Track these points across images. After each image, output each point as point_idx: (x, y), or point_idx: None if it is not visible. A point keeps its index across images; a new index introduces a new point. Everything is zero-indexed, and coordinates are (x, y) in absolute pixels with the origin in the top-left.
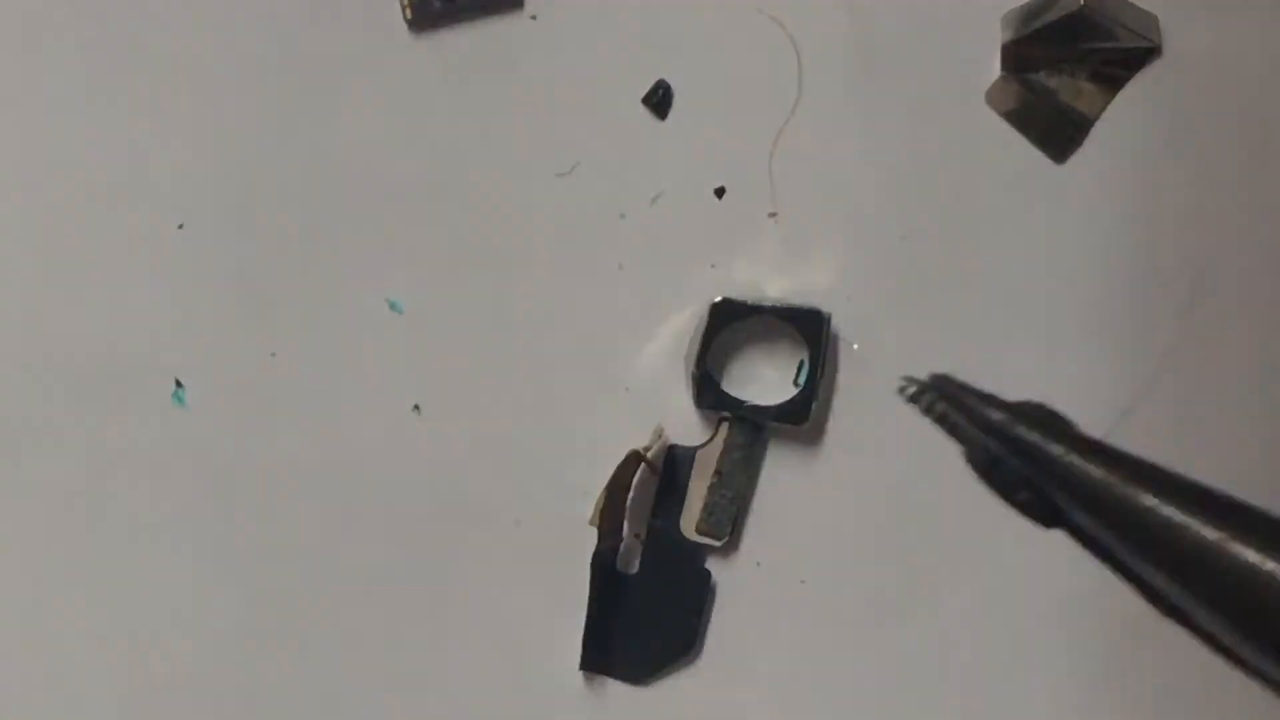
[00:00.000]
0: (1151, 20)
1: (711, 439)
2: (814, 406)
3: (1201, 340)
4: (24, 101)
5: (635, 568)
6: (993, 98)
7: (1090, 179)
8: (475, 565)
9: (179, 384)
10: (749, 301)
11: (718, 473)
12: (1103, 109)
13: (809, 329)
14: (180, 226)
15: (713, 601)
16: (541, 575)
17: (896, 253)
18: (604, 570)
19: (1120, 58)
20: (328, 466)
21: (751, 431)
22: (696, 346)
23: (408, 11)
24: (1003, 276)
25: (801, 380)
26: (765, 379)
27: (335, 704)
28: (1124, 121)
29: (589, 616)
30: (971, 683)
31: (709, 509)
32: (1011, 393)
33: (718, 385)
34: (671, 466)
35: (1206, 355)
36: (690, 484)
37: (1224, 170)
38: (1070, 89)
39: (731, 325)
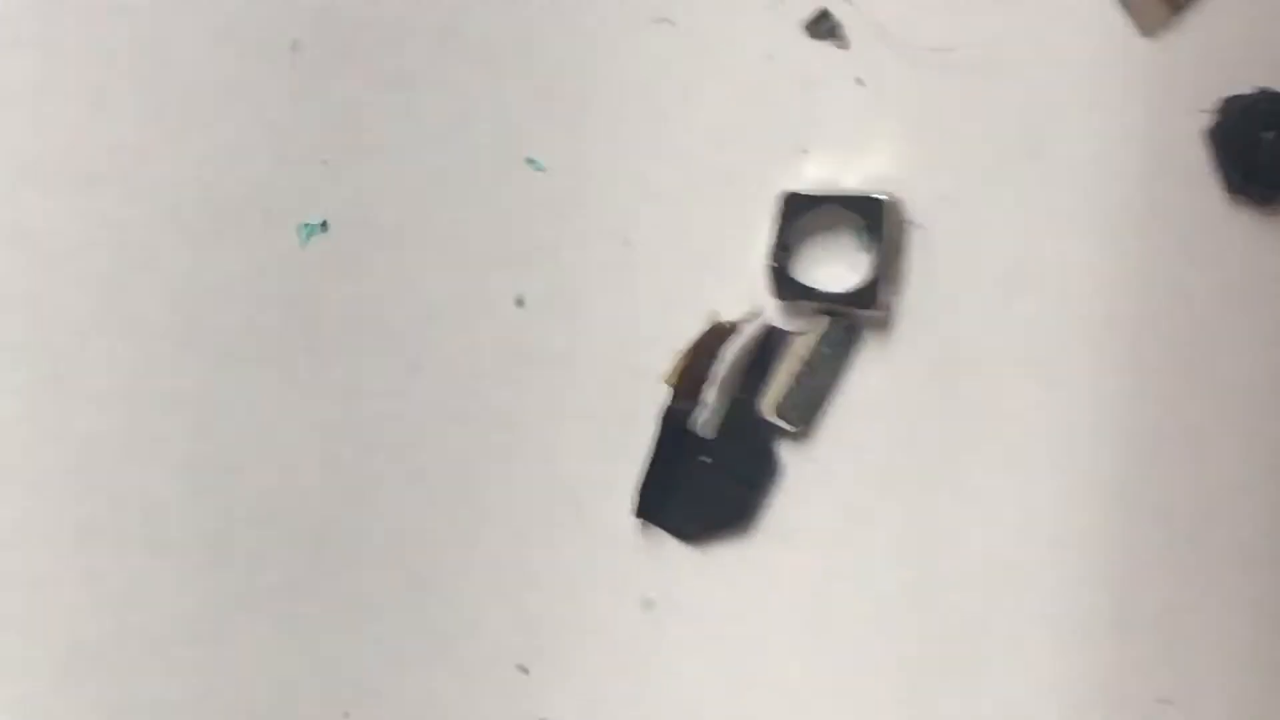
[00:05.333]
0: None
1: (807, 331)
2: (879, 290)
3: None
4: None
5: (710, 434)
6: None
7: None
8: (540, 408)
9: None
10: (815, 193)
11: (807, 363)
12: (1163, 23)
13: (870, 215)
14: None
15: (777, 484)
16: (608, 422)
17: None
18: (674, 427)
19: None
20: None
21: (845, 333)
22: (772, 240)
23: None
24: (1075, 152)
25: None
26: (836, 271)
27: (399, 537)
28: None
29: (650, 466)
30: (1017, 553)
31: (791, 395)
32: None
33: (791, 276)
34: (766, 347)
35: None
36: (779, 368)
37: None
38: None
39: (802, 217)
